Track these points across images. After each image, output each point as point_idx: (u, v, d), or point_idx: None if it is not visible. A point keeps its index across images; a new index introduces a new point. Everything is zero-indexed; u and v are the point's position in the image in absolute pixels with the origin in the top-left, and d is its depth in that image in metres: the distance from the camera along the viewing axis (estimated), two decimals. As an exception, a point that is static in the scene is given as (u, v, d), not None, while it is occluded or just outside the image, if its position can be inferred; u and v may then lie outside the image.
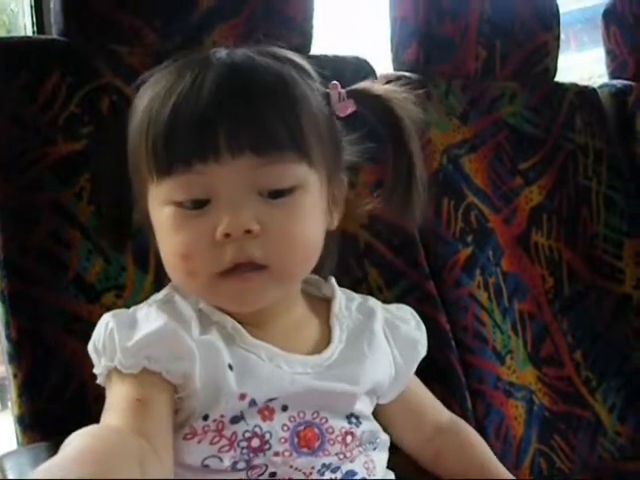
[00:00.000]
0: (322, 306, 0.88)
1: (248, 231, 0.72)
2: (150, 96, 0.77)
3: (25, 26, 1.51)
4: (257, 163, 0.73)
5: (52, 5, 1.09)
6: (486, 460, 0.97)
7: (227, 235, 0.72)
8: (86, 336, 0.78)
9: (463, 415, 1.15)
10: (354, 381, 0.82)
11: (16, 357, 0.90)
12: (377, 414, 0.90)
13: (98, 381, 0.77)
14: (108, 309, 0.94)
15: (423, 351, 0.93)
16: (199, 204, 0.74)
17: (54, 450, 0.62)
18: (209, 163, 0.72)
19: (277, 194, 0.74)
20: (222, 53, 0.79)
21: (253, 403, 0.76)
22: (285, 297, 0.82)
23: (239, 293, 0.75)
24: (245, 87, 0.74)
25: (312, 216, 0.78)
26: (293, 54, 0.83)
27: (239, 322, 0.79)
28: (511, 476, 0.96)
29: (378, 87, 0.86)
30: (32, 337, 0.91)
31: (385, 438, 0.87)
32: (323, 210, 0.81)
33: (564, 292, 1.46)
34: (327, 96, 0.83)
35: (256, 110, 0.73)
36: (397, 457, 0.94)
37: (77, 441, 0.61)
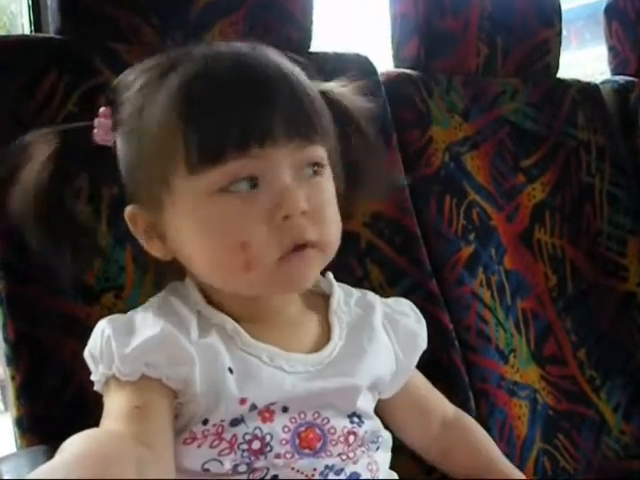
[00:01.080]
0: (320, 302, 0.88)
1: (303, 212, 0.73)
2: (176, 84, 0.74)
3: (23, 25, 1.51)
4: (303, 145, 0.74)
5: (49, 3, 1.08)
6: (494, 455, 0.97)
7: (286, 217, 0.72)
8: (85, 338, 0.77)
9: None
10: (355, 376, 0.81)
11: (14, 359, 0.89)
12: (381, 411, 0.89)
13: (95, 388, 0.76)
14: (108, 310, 0.94)
15: (423, 344, 0.92)
16: (252, 186, 0.73)
17: (53, 453, 0.61)
18: (266, 147, 0.72)
19: (314, 170, 0.76)
20: (232, 43, 0.79)
21: (254, 407, 0.75)
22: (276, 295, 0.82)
23: (298, 273, 0.75)
24: (284, 73, 0.75)
25: (334, 196, 0.80)
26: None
27: (238, 321, 0.78)
28: (517, 471, 0.96)
29: (323, 84, 0.87)
30: (30, 339, 0.90)
31: (387, 436, 0.87)
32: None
33: (567, 290, 1.46)
34: None
35: (300, 95, 0.75)
36: (399, 458, 0.93)
37: (75, 444, 0.61)
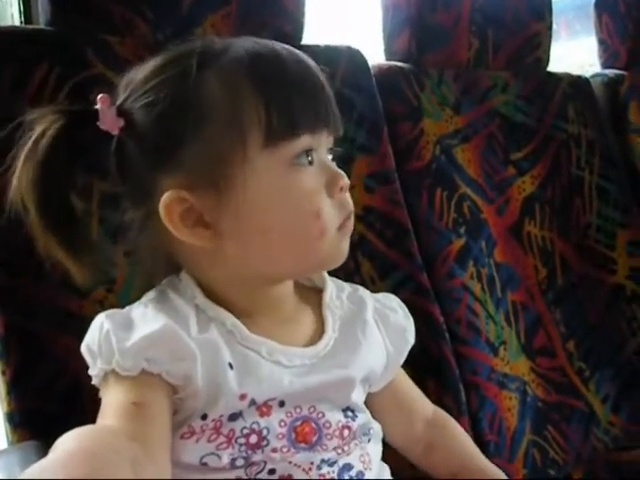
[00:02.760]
0: (313, 296, 0.88)
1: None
2: (244, 63, 0.76)
3: (12, 15, 1.49)
4: (331, 132, 0.81)
5: (40, -6, 1.08)
6: (474, 451, 0.98)
7: (341, 190, 0.79)
8: (78, 331, 0.76)
9: (457, 407, 1.16)
10: (350, 367, 0.82)
11: (4, 353, 0.88)
12: (367, 408, 0.89)
13: (93, 382, 0.75)
14: (100, 304, 0.93)
15: (412, 339, 0.93)
16: (309, 162, 0.78)
17: (44, 449, 0.61)
18: (321, 129, 0.79)
19: (331, 153, 0.83)
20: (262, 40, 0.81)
21: (253, 402, 0.75)
22: (283, 286, 0.84)
23: (346, 242, 0.81)
24: (317, 69, 0.80)
25: None
26: None
27: (235, 316, 0.79)
28: (496, 468, 0.97)
29: None
30: (21, 333, 0.90)
31: (377, 428, 0.87)
32: None
33: (557, 282, 1.46)
34: None
35: (329, 90, 0.81)
36: (391, 450, 0.94)
37: (68, 442, 0.60)
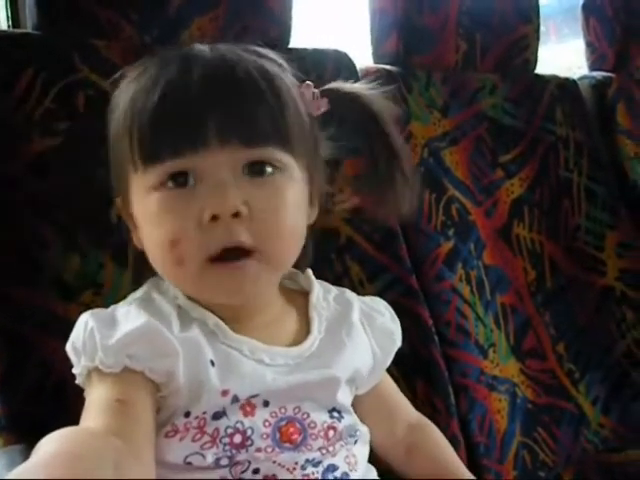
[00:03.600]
0: (300, 298, 0.88)
1: (236, 214, 0.72)
2: (134, 88, 0.78)
3: (0, 20, 1.49)
4: (244, 147, 0.74)
5: (27, -1, 1.08)
6: (451, 459, 0.97)
7: (215, 218, 0.72)
8: (64, 335, 0.76)
9: (446, 410, 1.16)
10: (335, 367, 0.82)
11: (-10, 357, 0.88)
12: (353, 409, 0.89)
13: (77, 381, 0.76)
14: (87, 307, 0.93)
15: (398, 342, 0.93)
16: (182, 183, 0.74)
17: (29, 453, 0.60)
18: (198, 151, 0.73)
19: (260, 170, 0.75)
20: (205, 47, 0.80)
21: (235, 399, 0.75)
22: (266, 291, 0.82)
23: (231, 281, 0.75)
24: (234, 79, 0.75)
25: (297, 203, 0.79)
26: (271, 51, 0.83)
27: (220, 317, 0.79)
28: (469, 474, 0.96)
29: (349, 85, 0.87)
30: (7, 336, 0.89)
31: (365, 430, 0.87)
32: (306, 203, 0.82)
33: (546, 285, 1.47)
34: (301, 94, 0.83)
35: (245, 103, 0.75)
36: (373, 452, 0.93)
37: (49, 445, 0.60)
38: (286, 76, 0.81)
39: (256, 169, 0.75)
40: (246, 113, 0.75)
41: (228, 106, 0.74)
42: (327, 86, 0.86)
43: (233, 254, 0.73)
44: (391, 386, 0.98)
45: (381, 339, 0.90)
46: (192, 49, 0.80)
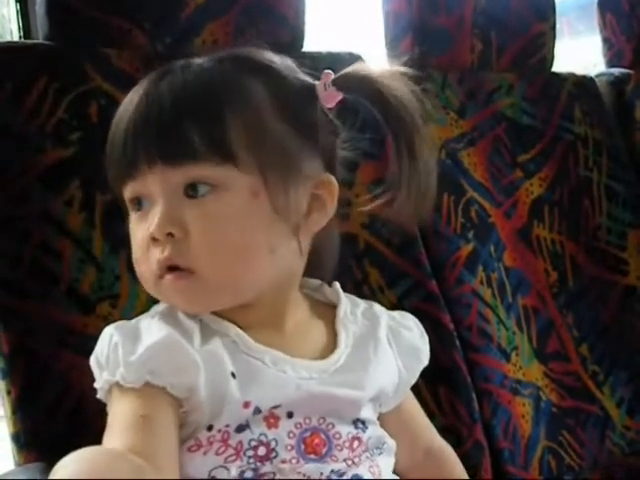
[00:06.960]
0: (327, 311, 0.87)
1: (170, 234, 0.74)
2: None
3: (12, 31, 1.50)
4: (170, 170, 0.74)
5: (37, 9, 1.07)
6: None
7: (154, 239, 0.74)
8: (82, 349, 0.77)
9: (470, 415, 1.15)
10: (359, 387, 0.80)
11: (9, 373, 0.88)
12: None
13: (98, 395, 0.75)
14: (104, 319, 0.93)
15: (425, 360, 0.90)
16: (139, 205, 0.78)
17: (49, 471, 0.59)
18: (136, 177, 0.76)
19: (194, 190, 0.75)
20: (179, 63, 0.80)
21: (257, 411, 0.74)
22: (286, 301, 0.82)
23: (175, 298, 0.77)
24: (167, 97, 0.76)
25: (242, 219, 0.76)
26: (269, 54, 0.82)
27: (242, 329, 0.78)
28: None
29: (364, 67, 0.84)
30: (25, 352, 0.89)
31: (392, 443, 0.85)
32: (267, 214, 0.77)
33: (568, 286, 1.45)
34: (313, 89, 0.82)
35: (172, 119, 0.75)
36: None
37: (68, 466, 0.59)
38: (266, 81, 0.79)
39: (191, 190, 0.75)
40: (169, 133, 0.74)
41: (154, 127, 0.75)
42: (338, 74, 0.82)
43: (175, 271, 0.75)
44: (415, 407, 0.95)
45: (407, 357, 0.88)
46: (168, 66, 0.80)
